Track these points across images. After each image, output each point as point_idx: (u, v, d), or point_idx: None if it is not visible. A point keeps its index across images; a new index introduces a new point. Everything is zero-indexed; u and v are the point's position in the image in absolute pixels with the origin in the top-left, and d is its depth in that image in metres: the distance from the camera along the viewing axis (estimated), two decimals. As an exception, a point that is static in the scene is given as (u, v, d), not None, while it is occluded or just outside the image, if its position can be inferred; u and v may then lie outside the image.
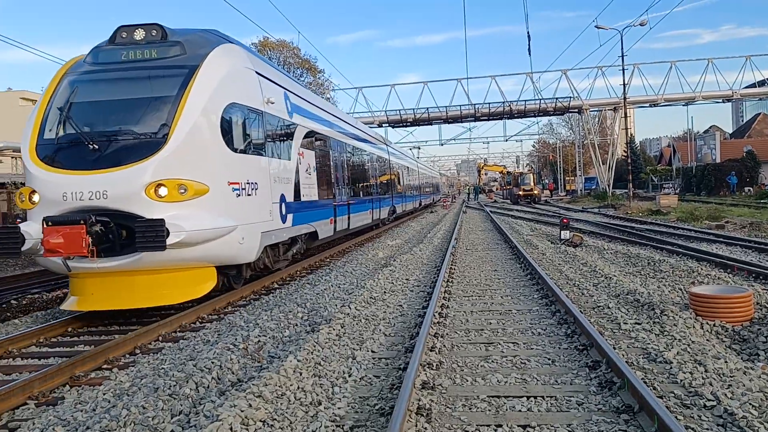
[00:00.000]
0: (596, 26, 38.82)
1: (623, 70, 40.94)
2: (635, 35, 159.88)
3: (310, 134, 14.68)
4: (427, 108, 55.02)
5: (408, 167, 38.54)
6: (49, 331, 8.68)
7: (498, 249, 17.31)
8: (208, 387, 5.78)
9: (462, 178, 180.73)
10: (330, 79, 54.94)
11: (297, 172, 12.91)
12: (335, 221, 16.66)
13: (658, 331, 7.22)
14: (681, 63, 53.09)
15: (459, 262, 14.44)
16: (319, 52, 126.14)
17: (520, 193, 59.37)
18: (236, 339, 7.43)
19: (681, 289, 10.03)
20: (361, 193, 21.78)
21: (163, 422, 4.86)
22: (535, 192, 59.55)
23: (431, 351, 6.62)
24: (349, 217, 18.67)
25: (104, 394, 5.93)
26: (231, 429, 4.40)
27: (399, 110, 55.36)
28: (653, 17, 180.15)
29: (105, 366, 7.04)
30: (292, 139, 12.89)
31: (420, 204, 45.95)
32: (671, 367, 5.82)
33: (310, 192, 14.05)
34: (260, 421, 4.65)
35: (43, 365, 7.00)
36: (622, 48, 42.92)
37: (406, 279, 11.98)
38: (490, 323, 8.08)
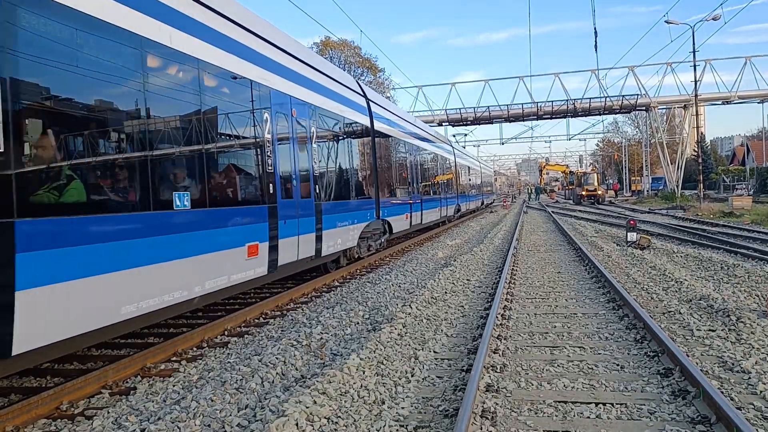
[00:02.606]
0: (666, 21, 37.54)
1: (694, 66, 39.43)
2: (708, 30, 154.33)
3: None
4: (488, 106, 54.44)
5: (425, 151, 23.35)
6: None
7: (561, 250, 16.94)
8: (272, 382, 5.87)
9: (522, 178, 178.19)
10: (390, 78, 55.13)
11: None
12: None
13: (734, 339, 6.91)
14: (757, 58, 50.84)
15: (521, 264, 14.21)
16: (380, 50, 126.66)
17: (584, 193, 57.96)
18: (299, 336, 7.53)
19: (758, 296, 9.56)
20: (226, 190, 8.00)
21: (230, 415, 4.96)
22: (599, 192, 58.03)
23: (495, 353, 6.52)
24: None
25: (174, 386, 6.11)
26: (297, 424, 4.45)
27: (459, 109, 55.04)
28: (728, 11, 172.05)
29: (174, 358, 7.25)
30: None
31: (458, 210, 32.16)
32: (750, 377, 5.56)
33: None
34: (325, 417, 4.69)
35: (117, 356, 7.26)
36: (693, 43, 41.43)
37: (467, 279, 11.87)
38: (555, 326, 7.91)
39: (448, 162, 29.37)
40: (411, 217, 19.29)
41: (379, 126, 15.92)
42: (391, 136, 17.65)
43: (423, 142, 23.00)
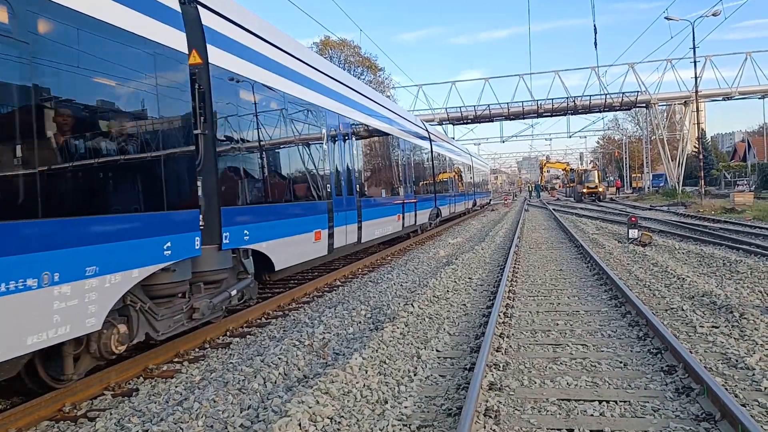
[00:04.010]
0: (666, 17, 37.45)
1: (695, 62, 39.34)
2: (708, 26, 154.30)
3: None
4: (489, 105, 54.38)
5: (370, 129, 15.50)
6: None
7: (563, 248, 16.92)
8: (275, 382, 5.86)
9: (523, 176, 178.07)
10: (390, 77, 55.05)
11: None
12: None
13: (737, 336, 6.89)
14: (757, 54, 50.64)
15: (522, 261, 14.19)
16: (380, 49, 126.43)
17: (584, 190, 57.96)
18: (301, 335, 7.52)
19: (761, 292, 9.54)
20: None
21: (233, 416, 4.95)
22: (600, 189, 58.01)
23: (497, 351, 6.51)
24: None
25: (176, 387, 6.10)
26: (299, 425, 4.44)
27: (460, 107, 54.96)
28: (727, 7, 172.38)
29: (176, 359, 7.23)
30: None
31: (436, 215, 25.07)
32: (754, 374, 5.54)
33: None
34: (328, 417, 4.68)
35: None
36: (693, 39, 41.26)
37: (469, 278, 11.86)
38: (557, 324, 7.89)
39: (420, 151, 22.11)
40: (333, 234, 11.37)
41: (237, 66, 8.10)
42: (287, 94, 9.78)
43: (368, 117, 15.27)
